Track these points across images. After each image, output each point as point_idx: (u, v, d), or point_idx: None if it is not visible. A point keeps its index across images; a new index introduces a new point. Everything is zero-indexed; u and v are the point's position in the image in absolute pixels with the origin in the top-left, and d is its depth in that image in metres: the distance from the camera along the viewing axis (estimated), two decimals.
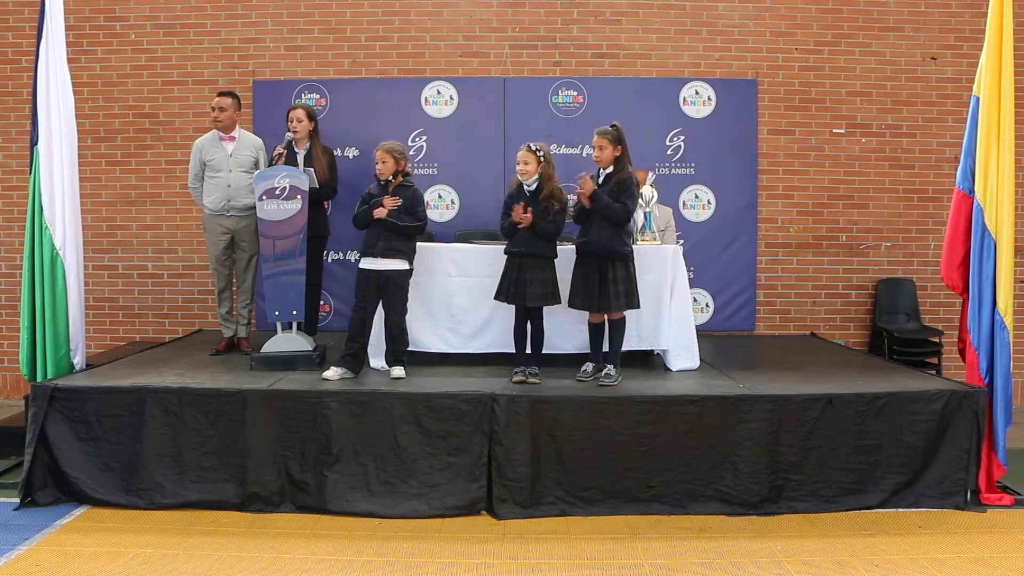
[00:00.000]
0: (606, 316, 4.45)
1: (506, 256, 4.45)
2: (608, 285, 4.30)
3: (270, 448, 4.01)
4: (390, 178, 4.45)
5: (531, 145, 4.36)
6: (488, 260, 4.69)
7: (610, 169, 4.37)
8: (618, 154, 4.35)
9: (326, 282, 5.74)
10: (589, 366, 4.48)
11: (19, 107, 6.29)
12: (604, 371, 4.37)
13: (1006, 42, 4.14)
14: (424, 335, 4.77)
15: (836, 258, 6.47)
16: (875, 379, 4.46)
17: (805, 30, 6.38)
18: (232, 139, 5.17)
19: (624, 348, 4.59)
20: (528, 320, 4.48)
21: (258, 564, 3.41)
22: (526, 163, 4.33)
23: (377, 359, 4.66)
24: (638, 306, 4.42)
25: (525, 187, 4.39)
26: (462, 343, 4.79)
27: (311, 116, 5.13)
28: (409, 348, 4.61)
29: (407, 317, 4.55)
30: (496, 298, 4.47)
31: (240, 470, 3.99)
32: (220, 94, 5.18)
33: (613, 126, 4.37)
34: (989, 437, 4.14)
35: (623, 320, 4.44)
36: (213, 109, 5.12)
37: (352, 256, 6.16)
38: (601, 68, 6.40)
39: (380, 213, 4.37)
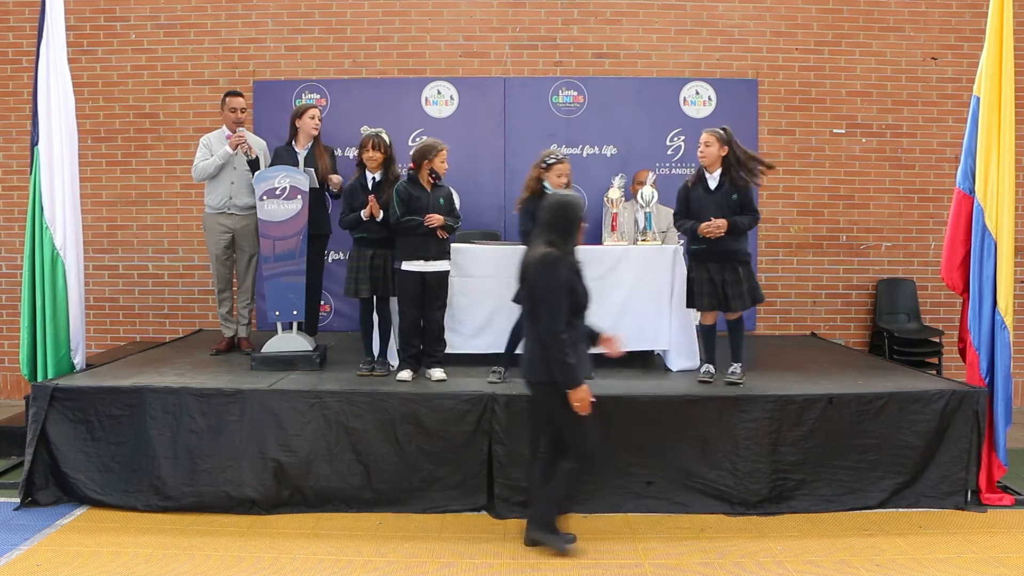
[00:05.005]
0: (722, 315, 4.44)
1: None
2: (733, 286, 4.32)
3: (270, 448, 4.01)
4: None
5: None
6: (488, 260, 4.69)
7: (718, 171, 4.38)
8: (724, 154, 4.35)
9: (326, 282, 5.72)
10: (711, 367, 4.43)
11: (19, 107, 6.29)
12: (731, 369, 4.35)
13: (1006, 42, 4.14)
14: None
15: (836, 258, 6.46)
16: (875, 379, 4.46)
17: (805, 30, 6.38)
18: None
19: (624, 348, 4.58)
20: None
21: (258, 564, 3.41)
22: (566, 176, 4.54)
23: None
24: (762, 299, 4.48)
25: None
26: (462, 343, 4.78)
27: (299, 114, 5.01)
28: None
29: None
30: (514, 301, 4.43)
31: (240, 470, 3.99)
32: (233, 94, 5.17)
33: (723, 128, 4.38)
34: (989, 437, 4.14)
35: (742, 318, 4.46)
36: (234, 111, 5.11)
37: None
38: (601, 68, 6.39)
39: (435, 221, 4.35)
